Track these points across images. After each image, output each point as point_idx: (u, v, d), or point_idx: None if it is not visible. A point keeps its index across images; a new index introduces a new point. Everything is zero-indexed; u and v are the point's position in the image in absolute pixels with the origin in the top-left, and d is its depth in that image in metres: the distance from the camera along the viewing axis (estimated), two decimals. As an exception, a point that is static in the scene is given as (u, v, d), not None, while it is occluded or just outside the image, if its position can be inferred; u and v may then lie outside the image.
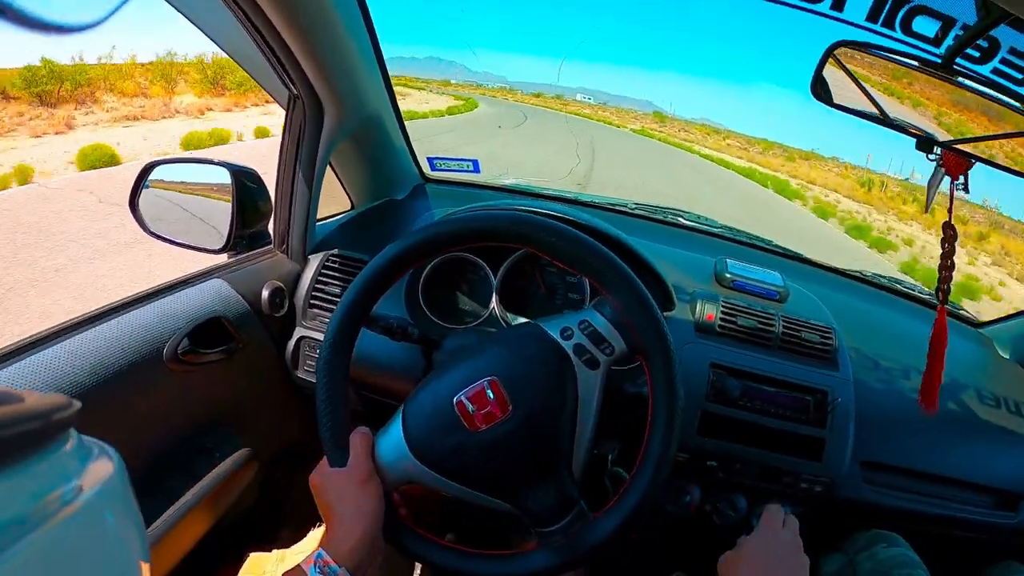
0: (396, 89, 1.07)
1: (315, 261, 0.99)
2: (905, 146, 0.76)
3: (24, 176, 6.68)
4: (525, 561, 0.59)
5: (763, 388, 0.86)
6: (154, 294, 0.79)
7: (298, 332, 0.97)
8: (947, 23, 0.61)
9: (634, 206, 1.30)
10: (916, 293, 1.22)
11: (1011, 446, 0.93)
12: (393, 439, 0.60)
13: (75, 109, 11.86)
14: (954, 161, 0.76)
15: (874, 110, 0.75)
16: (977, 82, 0.65)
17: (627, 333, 0.61)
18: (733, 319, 0.90)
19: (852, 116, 0.77)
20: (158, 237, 0.93)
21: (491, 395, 0.58)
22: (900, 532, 0.85)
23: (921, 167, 0.78)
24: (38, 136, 9.52)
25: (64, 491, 0.23)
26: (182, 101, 14.01)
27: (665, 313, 0.91)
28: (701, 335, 0.89)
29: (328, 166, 1.01)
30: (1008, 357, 1.10)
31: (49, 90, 11.94)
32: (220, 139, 10.10)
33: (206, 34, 0.86)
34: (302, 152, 0.93)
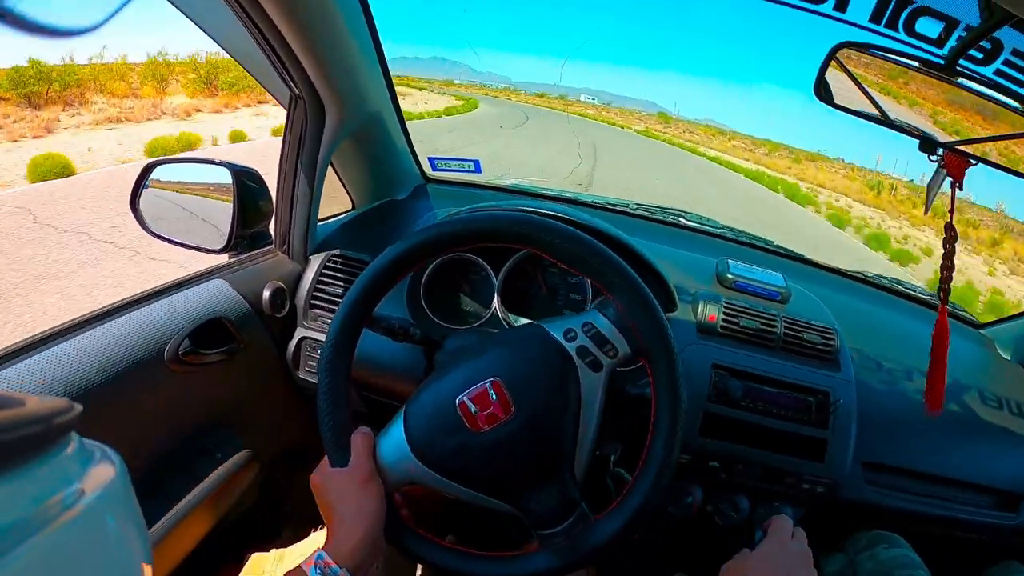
0: (397, 89, 1.07)
1: (316, 261, 0.99)
2: (907, 147, 0.76)
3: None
4: (527, 562, 0.59)
5: (765, 389, 0.85)
6: (155, 294, 0.79)
7: (299, 333, 0.97)
8: (950, 24, 0.61)
9: (635, 206, 1.30)
10: (917, 294, 1.22)
11: (1013, 447, 0.93)
12: (394, 440, 0.60)
13: (62, 111, 11.61)
14: (956, 162, 0.76)
15: (877, 112, 0.75)
16: (980, 84, 0.65)
17: (631, 336, 0.61)
18: (735, 320, 0.90)
19: (854, 117, 0.77)
20: (159, 237, 0.93)
21: (494, 396, 0.58)
22: (901, 533, 0.85)
23: (925, 168, 0.77)
24: (15, 140, 9.08)
25: (65, 495, 0.23)
26: (172, 102, 13.70)
27: (667, 314, 0.91)
28: (703, 336, 0.89)
29: (329, 166, 1.01)
30: (1009, 358, 1.09)
31: (37, 91, 11.71)
32: (188, 144, 9.39)
33: (207, 33, 0.86)
34: (303, 152, 0.93)
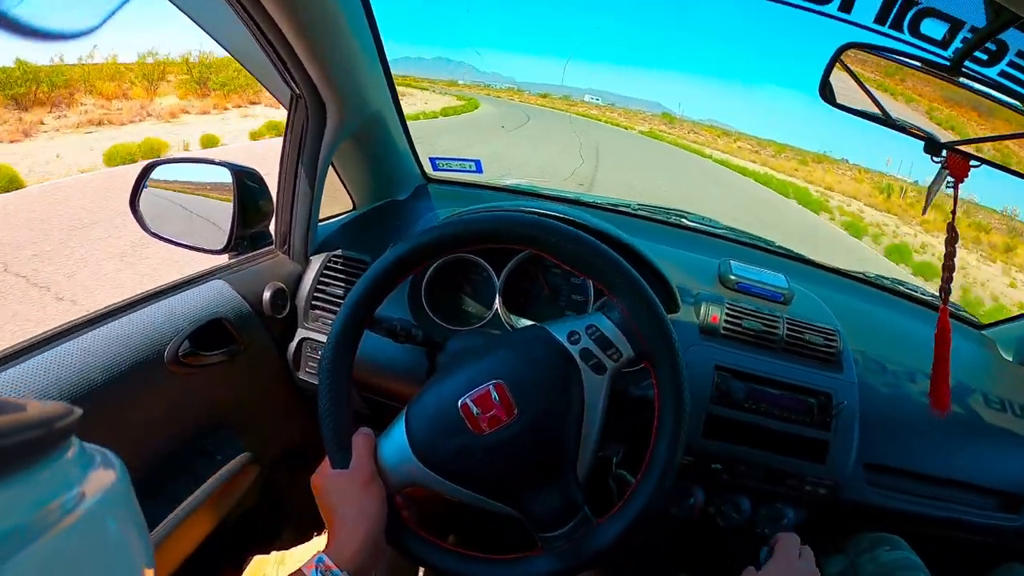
0: (399, 89, 1.06)
1: (317, 262, 0.99)
2: (911, 148, 0.76)
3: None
4: (529, 566, 0.59)
5: (767, 390, 0.85)
6: (155, 295, 0.78)
7: (300, 333, 0.96)
8: (955, 25, 0.61)
9: (637, 207, 1.30)
10: (919, 295, 1.22)
11: (1015, 448, 0.93)
12: (396, 441, 0.60)
13: (48, 112, 11.14)
14: (958, 163, 0.76)
15: (883, 113, 0.75)
16: (985, 85, 0.65)
17: (634, 339, 0.60)
18: (738, 321, 0.90)
19: (856, 117, 0.76)
20: (159, 237, 0.93)
21: (496, 398, 0.58)
22: (903, 535, 0.85)
23: (931, 170, 0.77)
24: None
25: (66, 499, 0.23)
26: (162, 103, 13.12)
27: (670, 315, 0.91)
28: (705, 337, 0.89)
29: (330, 166, 1.00)
30: (1011, 359, 1.09)
31: (24, 92, 11.35)
32: (151, 150, 8.10)
33: (208, 33, 0.85)
34: (304, 152, 0.92)
